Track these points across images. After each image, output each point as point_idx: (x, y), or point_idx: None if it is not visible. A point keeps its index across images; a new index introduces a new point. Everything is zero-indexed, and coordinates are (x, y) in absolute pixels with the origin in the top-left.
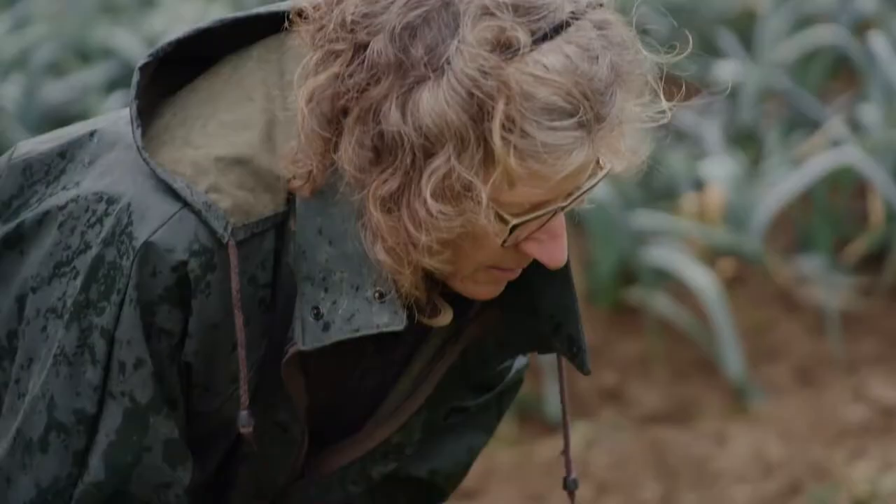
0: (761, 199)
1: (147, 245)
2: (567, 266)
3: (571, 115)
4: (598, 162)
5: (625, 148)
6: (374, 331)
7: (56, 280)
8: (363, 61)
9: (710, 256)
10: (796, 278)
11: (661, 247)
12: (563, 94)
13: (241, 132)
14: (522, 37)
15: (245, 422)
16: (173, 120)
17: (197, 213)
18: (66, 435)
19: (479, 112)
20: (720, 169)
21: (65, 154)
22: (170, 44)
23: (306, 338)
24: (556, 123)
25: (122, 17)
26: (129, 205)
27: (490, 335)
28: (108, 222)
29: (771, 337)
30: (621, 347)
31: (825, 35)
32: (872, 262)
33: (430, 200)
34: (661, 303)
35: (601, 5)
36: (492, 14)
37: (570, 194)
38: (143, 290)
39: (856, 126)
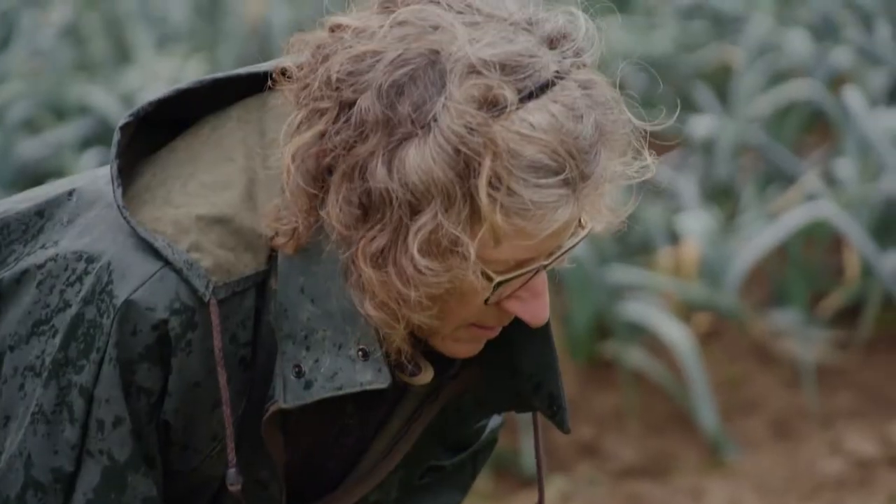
0: (737, 253)
1: (128, 303)
2: (547, 324)
3: (557, 174)
4: (580, 221)
5: (605, 206)
6: (358, 388)
7: (34, 338)
8: (349, 119)
9: (686, 311)
10: (772, 332)
11: (636, 301)
12: (549, 152)
13: (222, 192)
14: (509, 95)
15: (233, 480)
16: (153, 180)
17: (178, 272)
18: (43, 493)
19: (465, 169)
20: (696, 223)
21: (42, 213)
22: (150, 104)
23: (287, 396)
24: (542, 181)
25: (97, 74)
26: (109, 263)
27: (469, 394)
28: (88, 281)
29: (747, 390)
30: (597, 401)
31: (800, 90)
32: (847, 315)
33: (417, 256)
34: (636, 357)
35: (585, 65)
36: (478, 72)
37: (552, 253)
38: (123, 349)
39: (831, 180)
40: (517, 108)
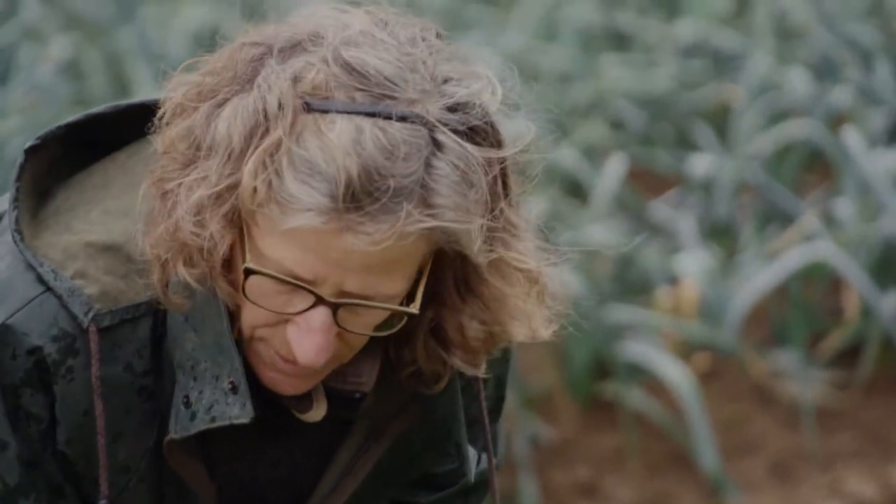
0: (736, 293)
1: (4, 327)
2: (454, 375)
3: (329, 183)
4: (399, 302)
5: (402, 279)
6: (227, 422)
7: None
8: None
9: (685, 351)
10: (771, 372)
11: (635, 341)
12: (331, 161)
13: (120, 219)
14: (338, 96)
15: None
16: (64, 204)
17: (59, 298)
18: None
19: (255, 131)
20: (695, 263)
21: None
22: (59, 127)
23: (177, 426)
24: (312, 182)
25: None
26: None
27: (416, 432)
28: None
29: (746, 431)
30: (596, 442)
31: (800, 129)
32: (847, 356)
33: (188, 200)
34: (635, 397)
35: (473, 138)
36: (329, 63)
37: (340, 293)
38: (4, 373)
39: (830, 220)
40: (335, 112)
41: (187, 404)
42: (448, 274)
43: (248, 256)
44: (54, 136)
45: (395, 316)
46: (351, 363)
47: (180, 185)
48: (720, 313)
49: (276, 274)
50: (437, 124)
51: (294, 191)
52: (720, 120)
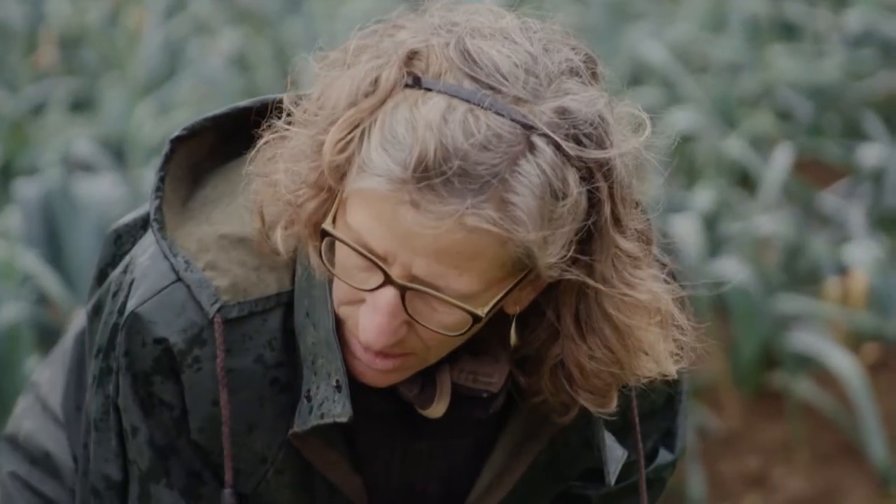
0: None
1: (133, 316)
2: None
3: (406, 157)
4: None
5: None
6: (332, 420)
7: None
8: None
9: (854, 341)
10: None
11: (803, 331)
12: (414, 137)
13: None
14: (444, 77)
15: (228, 501)
16: (212, 193)
17: (188, 288)
18: (99, 500)
19: (365, 96)
20: (864, 253)
21: (145, 224)
22: (206, 119)
23: (299, 420)
24: (392, 152)
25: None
26: (136, 276)
27: (574, 432)
28: (122, 292)
29: None
30: (764, 433)
31: None
32: None
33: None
34: (803, 388)
35: (567, 148)
36: (446, 46)
37: (409, 276)
38: (134, 360)
39: None
40: (436, 91)
41: (308, 398)
42: (567, 308)
43: (328, 220)
44: (202, 128)
45: (466, 320)
46: (483, 363)
47: (285, 139)
48: (889, 303)
49: (345, 239)
50: (538, 126)
51: (373, 155)
52: (889, 110)
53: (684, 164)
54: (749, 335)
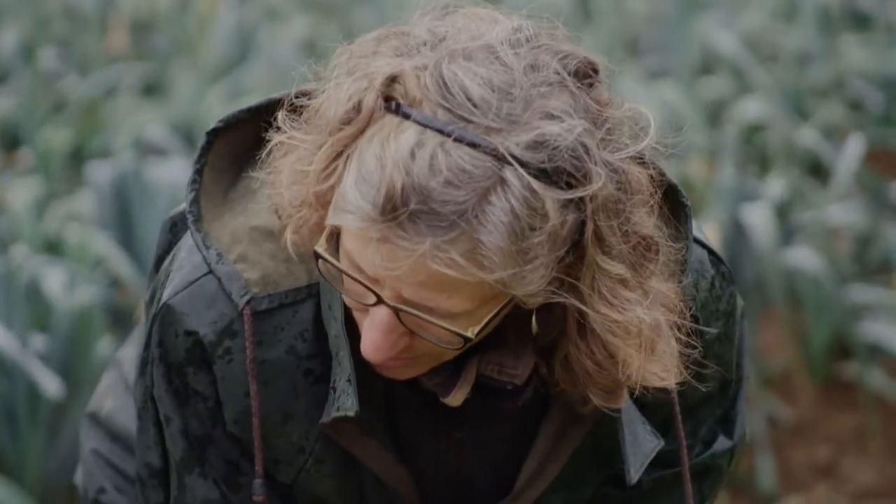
0: None
1: (166, 307)
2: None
3: (373, 191)
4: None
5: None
6: (343, 414)
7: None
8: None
9: None
10: None
11: (875, 321)
12: (381, 171)
13: None
14: (424, 106)
15: (258, 491)
16: (252, 184)
17: (219, 280)
18: (143, 487)
19: (345, 121)
20: None
21: None
22: (242, 111)
23: (326, 411)
24: (362, 187)
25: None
26: (173, 267)
27: (615, 421)
28: (162, 282)
29: None
30: (835, 422)
31: None
32: None
33: (294, 160)
34: (875, 378)
35: (544, 179)
36: (420, 71)
37: (399, 297)
38: (168, 351)
39: None
40: (412, 120)
41: (334, 390)
42: (570, 310)
43: (322, 240)
44: (237, 119)
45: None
46: (509, 355)
47: (286, 148)
48: None
49: (335, 263)
50: (509, 158)
51: (347, 191)
52: None
53: (756, 153)
54: (820, 325)
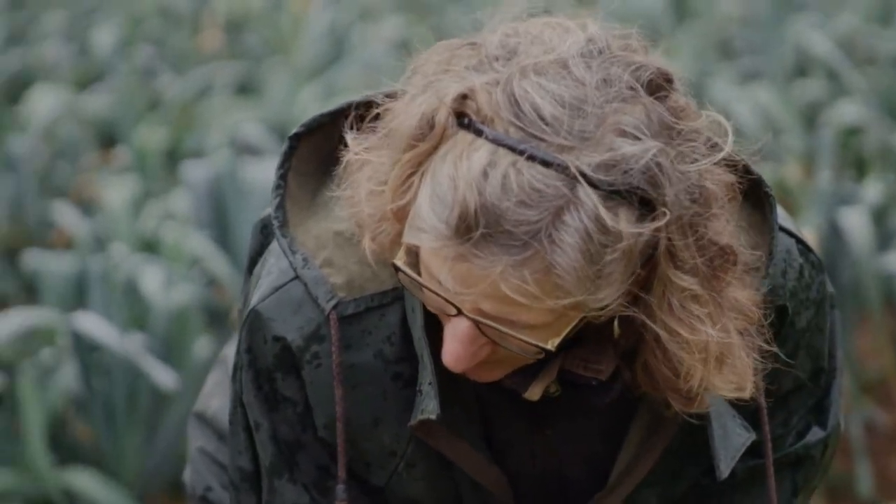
0: None
1: (254, 313)
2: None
3: (447, 211)
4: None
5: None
6: (425, 416)
7: None
8: None
9: None
10: None
11: None
12: (454, 192)
13: None
14: (496, 124)
15: (340, 496)
16: (338, 189)
17: (305, 286)
18: (236, 491)
19: (418, 137)
20: None
21: None
22: (323, 115)
23: (414, 413)
24: (435, 206)
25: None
26: (262, 272)
27: (706, 416)
28: (253, 287)
29: None
30: None
31: None
32: None
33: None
34: None
35: (616, 200)
36: (491, 86)
37: (481, 313)
38: (256, 356)
39: None
40: (484, 138)
41: (420, 393)
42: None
43: (401, 253)
44: (318, 123)
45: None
46: (593, 350)
47: (360, 163)
48: None
49: (414, 276)
50: (581, 178)
51: (422, 210)
52: None
53: (852, 157)
54: None
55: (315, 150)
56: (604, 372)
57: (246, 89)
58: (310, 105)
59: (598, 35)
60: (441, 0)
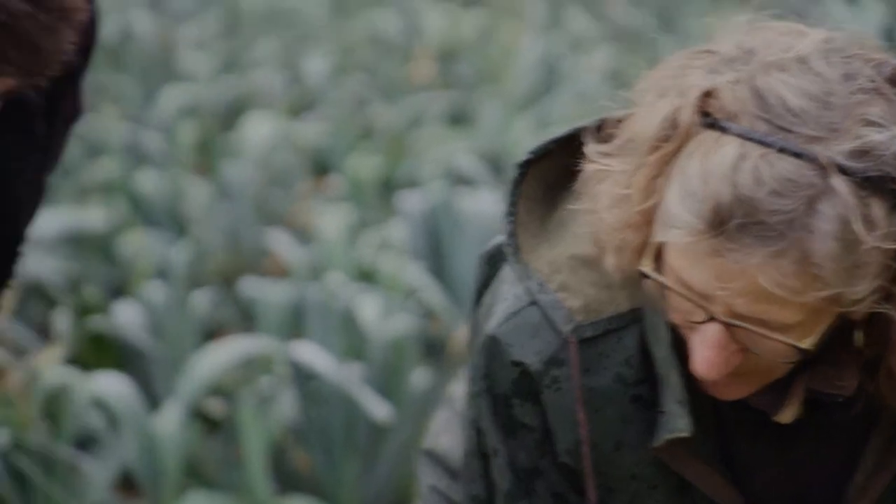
0: None
1: (491, 339)
2: None
3: (699, 205)
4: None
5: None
6: (673, 435)
7: None
8: None
9: None
10: None
11: None
12: (706, 184)
13: None
14: (741, 119)
15: None
16: (565, 213)
17: (542, 310)
18: None
19: (663, 138)
20: None
21: None
22: (550, 142)
23: (656, 435)
24: (686, 202)
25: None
26: (496, 299)
27: None
28: (487, 316)
29: None
30: None
31: None
32: None
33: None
34: None
35: (871, 194)
36: (741, 87)
37: (733, 315)
38: (493, 382)
39: None
40: (731, 133)
41: (664, 413)
42: (893, 323)
43: (648, 259)
44: (546, 150)
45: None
46: (835, 365)
47: (601, 175)
48: None
49: (663, 280)
50: (833, 166)
51: (671, 207)
52: None
53: None
54: None
55: (542, 176)
56: (848, 388)
57: (458, 119)
58: (523, 135)
59: (833, 35)
60: (652, 29)
